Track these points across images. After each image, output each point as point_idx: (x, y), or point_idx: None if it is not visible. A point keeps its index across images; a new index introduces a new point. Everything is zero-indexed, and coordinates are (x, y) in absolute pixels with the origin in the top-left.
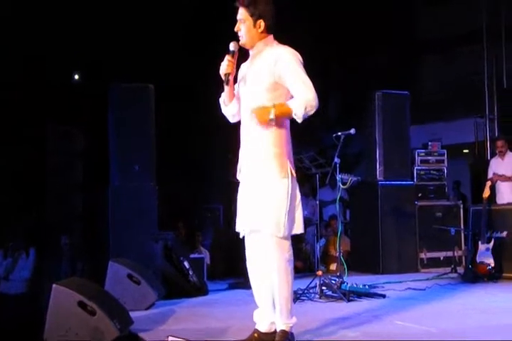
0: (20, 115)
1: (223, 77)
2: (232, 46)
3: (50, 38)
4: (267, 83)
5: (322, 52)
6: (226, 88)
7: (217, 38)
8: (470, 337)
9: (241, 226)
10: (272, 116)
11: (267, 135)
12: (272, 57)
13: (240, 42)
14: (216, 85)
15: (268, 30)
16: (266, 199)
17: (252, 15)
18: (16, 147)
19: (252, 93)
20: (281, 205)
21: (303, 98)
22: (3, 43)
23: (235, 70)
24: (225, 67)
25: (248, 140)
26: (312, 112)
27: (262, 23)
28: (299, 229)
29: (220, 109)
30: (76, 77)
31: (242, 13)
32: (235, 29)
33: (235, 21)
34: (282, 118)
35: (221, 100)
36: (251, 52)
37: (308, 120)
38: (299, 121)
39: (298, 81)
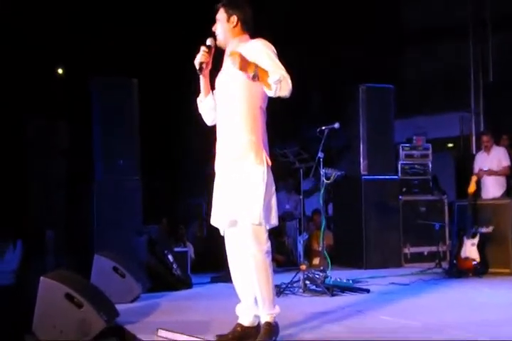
0: (2, 110)
1: (197, 66)
2: (208, 41)
3: (33, 32)
4: (243, 74)
5: (305, 45)
6: (201, 81)
7: (201, 35)
8: (452, 331)
9: (218, 219)
10: (254, 71)
11: (243, 124)
12: (247, 49)
13: (217, 41)
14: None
15: (243, 27)
16: (241, 186)
17: (226, 11)
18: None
19: (228, 86)
20: (256, 191)
21: (278, 72)
22: None
23: (210, 62)
24: (199, 56)
25: (224, 131)
26: (285, 92)
27: (234, 17)
28: (274, 220)
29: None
30: (59, 71)
31: (219, 12)
32: (213, 28)
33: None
34: (261, 80)
35: (198, 99)
36: (226, 51)
37: (292, 114)
38: (271, 93)
39: (274, 66)
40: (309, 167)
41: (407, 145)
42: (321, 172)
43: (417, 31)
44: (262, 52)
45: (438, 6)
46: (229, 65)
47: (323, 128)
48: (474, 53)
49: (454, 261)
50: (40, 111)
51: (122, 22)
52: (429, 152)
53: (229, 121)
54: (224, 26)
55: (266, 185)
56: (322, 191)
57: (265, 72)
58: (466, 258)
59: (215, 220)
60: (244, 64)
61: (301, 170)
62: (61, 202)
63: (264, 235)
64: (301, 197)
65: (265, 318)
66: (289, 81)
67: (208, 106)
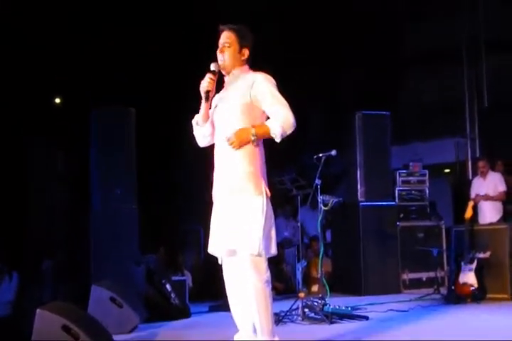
0: (1, 139)
1: (203, 94)
2: (213, 66)
3: (31, 61)
4: (243, 104)
5: (301, 72)
6: (203, 107)
7: (198, 62)
8: None
9: (216, 248)
10: (253, 137)
11: (242, 155)
12: (248, 80)
13: (220, 65)
14: (196, 108)
15: (248, 60)
16: (240, 217)
17: (239, 42)
18: None
19: (228, 114)
20: (255, 222)
21: (280, 117)
22: None
23: (214, 89)
24: (206, 84)
25: (223, 161)
26: (290, 131)
27: (246, 51)
28: (273, 249)
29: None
30: (57, 100)
31: (230, 37)
32: (219, 51)
33: (214, 45)
34: (262, 138)
35: (194, 121)
36: (226, 79)
37: (289, 141)
38: (278, 140)
39: (274, 101)
40: (307, 194)
41: (404, 171)
42: (319, 199)
43: (412, 58)
44: (264, 88)
45: (434, 33)
46: (228, 93)
47: (320, 155)
48: (468, 78)
49: (452, 287)
50: (39, 141)
51: (119, 50)
52: (426, 178)
53: (227, 152)
54: (234, 55)
55: (265, 216)
56: (320, 218)
57: (265, 128)
58: (464, 284)
59: (213, 249)
60: (242, 140)
61: (299, 197)
62: (58, 232)
63: (264, 265)
64: (299, 224)
65: None
66: (291, 118)
67: (205, 132)
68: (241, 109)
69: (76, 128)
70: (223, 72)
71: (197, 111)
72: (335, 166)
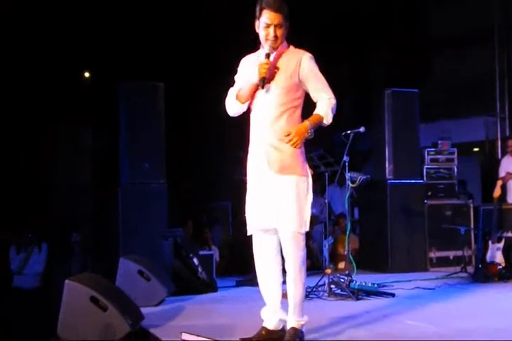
0: (29, 113)
1: (259, 81)
2: (267, 49)
3: (60, 36)
4: (290, 83)
5: (330, 50)
6: (250, 89)
7: (229, 35)
8: (480, 337)
9: (258, 223)
10: (310, 130)
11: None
12: (295, 60)
13: (274, 47)
14: (226, 84)
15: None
16: (289, 196)
17: (285, 21)
18: (27, 144)
19: (272, 93)
20: (304, 202)
21: (328, 103)
22: (13, 42)
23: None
24: (263, 70)
25: (267, 139)
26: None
27: (288, 25)
28: (308, 226)
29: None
30: (86, 74)
31: (279, 19)
32: (273, 34)
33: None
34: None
35: (233, 94)
36: (272, 52)
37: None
38: (326, 125)
39: (321, 85)
40: (335, 171)
41: (433, 149)
42: (347, 176)
43: (443, 36)
44: (312, 70)
45: (465, 11)
46: (277, 72)
47: (349, 132)
48: (499, 58)
49: (480, 266)
50: (68, 115)
51: (149, 25)
52: (455, 156)
53: (271, 129)
54: (284, 35)
55: (309, 195)
56: (347, 195)
57: (319, 119)
58: (492, 263)
59: (254, 224)
60: (303, 138)
61: (327, 175)
62: (87, 205)
63: (303, 242)
64: (326, 200)
65: (292, 324)
66: (334, 100)
67: (239, 111)
68: (286, 90)
69: (105, 103)
70: (272, 50)
71: (227, 85)
72: (363, 143)
